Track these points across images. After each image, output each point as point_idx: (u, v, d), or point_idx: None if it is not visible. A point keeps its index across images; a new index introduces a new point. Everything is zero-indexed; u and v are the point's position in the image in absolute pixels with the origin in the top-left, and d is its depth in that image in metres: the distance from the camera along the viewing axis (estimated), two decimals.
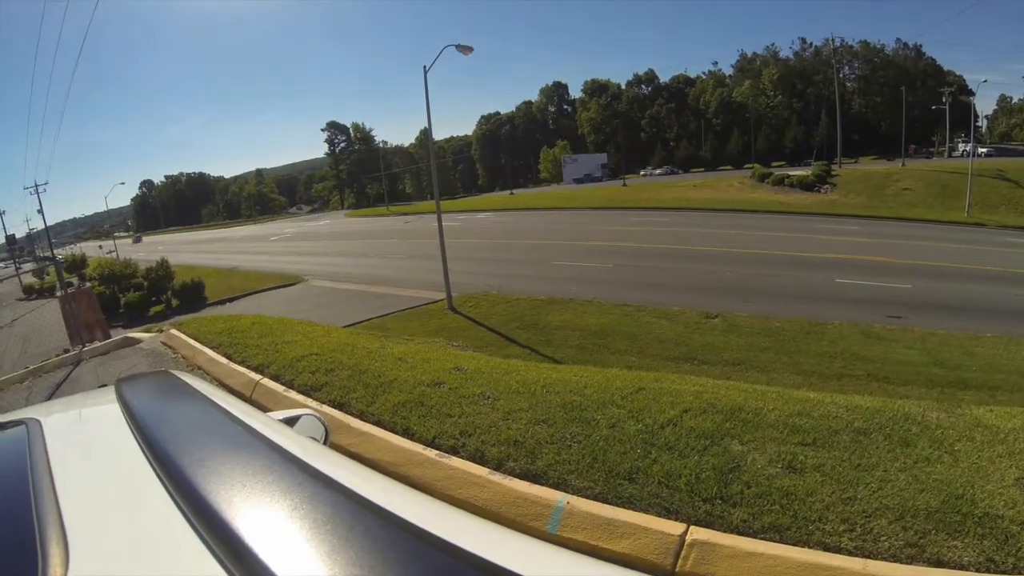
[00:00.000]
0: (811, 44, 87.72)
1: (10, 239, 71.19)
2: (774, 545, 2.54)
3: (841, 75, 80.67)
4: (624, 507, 2.91)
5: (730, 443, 3.29)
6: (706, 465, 3.07)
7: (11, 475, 1.19)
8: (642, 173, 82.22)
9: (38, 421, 1.48)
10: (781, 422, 3.48)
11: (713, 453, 3.19)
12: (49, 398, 7.05)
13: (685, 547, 2.61)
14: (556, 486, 3.15)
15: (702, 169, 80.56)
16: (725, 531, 2.67)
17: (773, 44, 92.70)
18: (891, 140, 71.25)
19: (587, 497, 3.03)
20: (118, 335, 10.22)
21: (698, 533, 2.66)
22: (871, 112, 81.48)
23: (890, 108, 75.67)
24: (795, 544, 2.54)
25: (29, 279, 40.50)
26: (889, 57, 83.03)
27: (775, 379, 11.92)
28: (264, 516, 0.86)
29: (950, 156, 62.07)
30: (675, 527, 2.71)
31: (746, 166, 69.93)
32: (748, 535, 2.63)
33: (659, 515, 2.83)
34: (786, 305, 17.86)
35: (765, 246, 26.80)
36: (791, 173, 52.95)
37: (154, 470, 1.04)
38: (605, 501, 2.98)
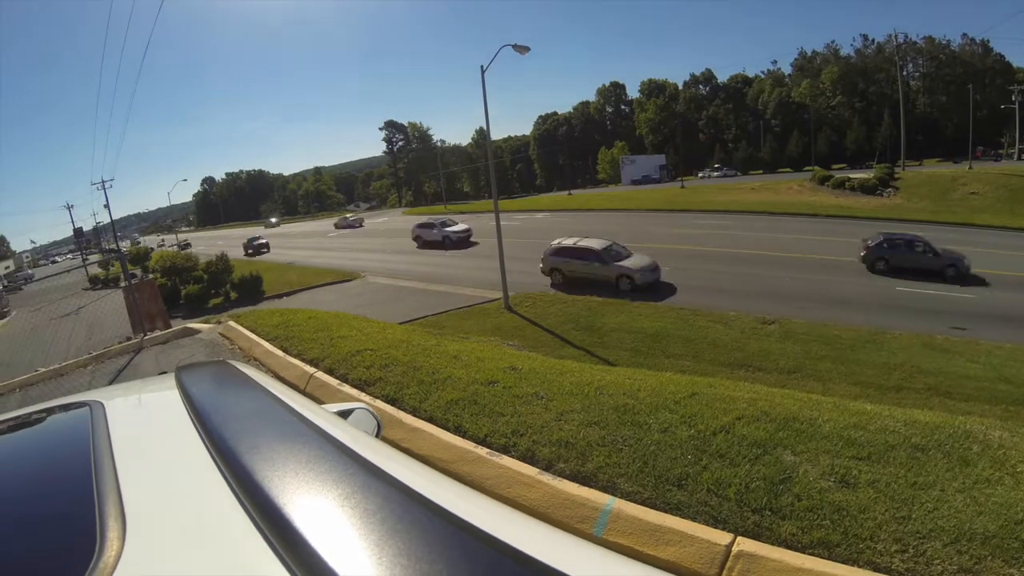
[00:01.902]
0: (873, 41, 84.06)
1: (77, 232, 74.66)
2: (822, 561, 2.51)
3: (904, 73, 77.16)
4: (672, 513, 2.92)
5: (782, 453, 3.25)
6: (757, 475, 3.05)
7: (75, 453, 1.25)
8: (700, 175, 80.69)
9: (101, 404, 1.56)
10: (836, 434, 3.42)
11: (764, 463, 3.16)
12: (111, 382, 7.40)
13: (731, 558, 2.60)
14: (605, 489, 3.17)
15: (760, 171, 78.47)
16: (773, 544, 2.65)
17: (834, 42, 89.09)
18: (957, 141, 67.64)
19: (635, 502, 3.04)
20: (178, 325, 10.60)
21: (745, 544, 2.64)
22: (936, 112, 77.39)
23: (956, 107, 71.79)
24: (844, 562, 2.50)
25: (95, 270, 42.45)
26: (955, 53, 78.65)
27: (831, 389, 11.68)
28: (315, 503, 0.88)
29: (1020, 158, 58.99)
30: (722, 537, 2.70)
31: (806, 168, 67.89)
32: (796, 549, 2.60)
33: (707, 523, 2.82)
34: (844, 312, 17.41)
35: (824, 251, 26.07)
36: (852, 176, 51.04)
37: (210, 454, 1.10)
38: (653, 506, 2.99)
